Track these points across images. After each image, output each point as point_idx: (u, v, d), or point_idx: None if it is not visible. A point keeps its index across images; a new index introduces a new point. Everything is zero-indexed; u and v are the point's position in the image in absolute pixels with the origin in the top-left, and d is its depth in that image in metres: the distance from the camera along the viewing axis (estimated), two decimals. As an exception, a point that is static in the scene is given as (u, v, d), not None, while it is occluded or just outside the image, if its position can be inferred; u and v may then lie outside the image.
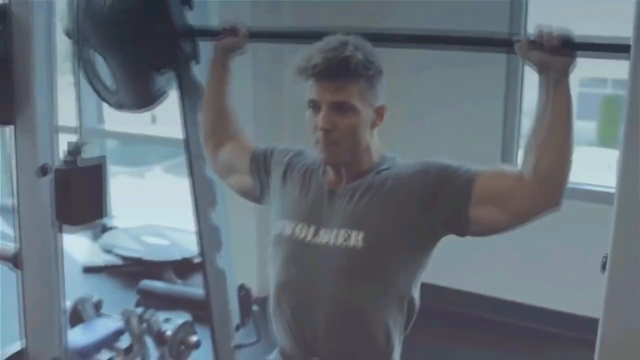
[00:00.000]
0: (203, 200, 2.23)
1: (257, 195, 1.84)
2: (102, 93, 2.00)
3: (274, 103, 3.53)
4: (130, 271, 3.67)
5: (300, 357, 1.64)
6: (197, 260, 3.66)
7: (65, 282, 2.98)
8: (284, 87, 3.39)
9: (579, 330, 3.03)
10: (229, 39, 1.87)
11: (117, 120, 4.36)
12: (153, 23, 1.95)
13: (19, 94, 1.62)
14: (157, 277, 3.45)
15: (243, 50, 1.90)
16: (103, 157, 1.77)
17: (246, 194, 1.88)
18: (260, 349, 2.48)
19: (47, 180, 1.66)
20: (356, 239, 1.57)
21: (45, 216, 1.68)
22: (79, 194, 1.70)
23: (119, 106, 2.05)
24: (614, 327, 1.25)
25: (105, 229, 4.11)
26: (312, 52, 1.55)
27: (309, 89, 1.58)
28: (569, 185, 1.47)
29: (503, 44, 1.57)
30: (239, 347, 2.46)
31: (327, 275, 1.58)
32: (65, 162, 1.67)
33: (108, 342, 2.56)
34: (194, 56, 2.05)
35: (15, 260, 1.73)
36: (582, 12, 3.27)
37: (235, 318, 2.42)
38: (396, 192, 1.59)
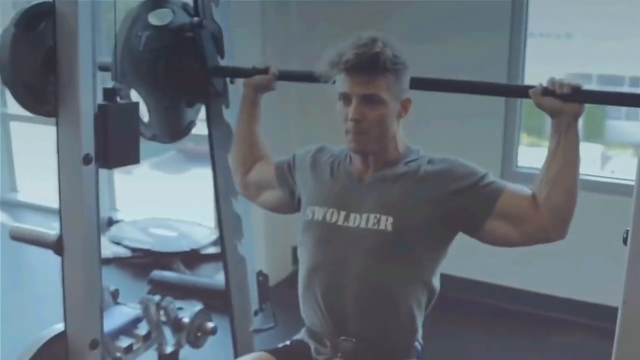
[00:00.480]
0: (225, 190, 2.32)
1: (287, 202, 1.94)
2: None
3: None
4: (138, 262, 3.74)
5: (330, 336, 1.73)
6: (205, 251, 3.78)
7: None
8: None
9: (575, 314, 3.18)
10: (260, 77, 2.00)
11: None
12: (187, 61, 2.09)
13: (63, 87, 1.70)
14: (166, 267, 3.52)
15: (273, 88, 2.03)
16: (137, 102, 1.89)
17: (277, 206, 1.99)
18: (276, 333, 2.59)
19: (90, 169, 1.75)
20: (385, 223, 1.66)
21: (87, 202, 1.76)
22: (117, 133, 1.80)
23: (153, 138, 2.14)
24: (635, 298, 1.33)
25: (111, 222, 4.17)
26: (344, 48, 1.64)
27: (339, 83, 1.68)
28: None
29: (519, 91, 1.68)
30: (258, 331, 2.55)
31: (358, 257, 1.67)
32: (106, 99, 1.78)
33: (127, 329, 2.63)
34: (224, 93, 2.19)
35: (57, 246, 1.81)
36: (582, 12, 3.38)
37: (254, 304, 2.51)
38: (425, 183, 1.69)
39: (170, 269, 3.53)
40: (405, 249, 1.67)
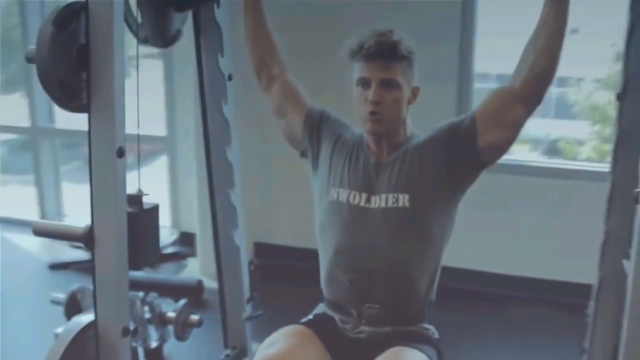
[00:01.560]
0: (222, 182, 2.42)
1: (300, 144, 2.06)
2: (133, 27, 2.08)
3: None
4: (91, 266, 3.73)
5: (355, 303, 1.88)
6: (166, 251, 3.83)
7: (31, 279, 3.06)
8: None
9: (532, 291, 3.46)
10: None
11: (68, 119, 4.39)
12: None
13: (96, 83, 1.76)
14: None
15: None
16: (157, 204, 1.98)
17: (291, 139, 2.10)
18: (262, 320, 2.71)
19: (122, 161, 1.81)
20: (404, 200, 1.84)
21: (119, 194, 1.82)
22: (143, 235, 1.94)
23: (145, 41, 2.13)
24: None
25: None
26: (364, 37, 1.83)
27: (358, 70, 1.85)
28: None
29: None
30: (249, 318, 2.65)
31: (382, 234, 1.85)
32: (131, 206, 1.89)
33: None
34: None
35: (87, 238, 1.85)
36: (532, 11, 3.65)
37: (246, 292, 2.61)
38: (423, 155, 1.88)
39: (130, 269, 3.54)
40: (421, 223, 1.86)
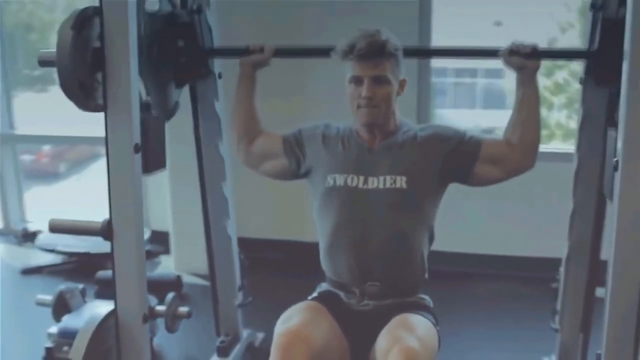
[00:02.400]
0: (215, 175, 2.54)
1: (292, 170, 2.21)
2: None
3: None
4: (68, 268, 3.77)
5: (357, 284, 2.04)
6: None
7: (5, 286, 3.09)
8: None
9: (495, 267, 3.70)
10: (257, 55, 2.25)
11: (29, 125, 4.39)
12: (181, 44, 2.29)
13: (112, 83, 1.86)
14: (100, 269, 3.58)
15: (268, 64, 2.27)
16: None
17: (280, 174, 2.25)
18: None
19: (138, 157, 1.92)
20: (401, 182, 2.02)
21: (136, 188, 1.92)
22: (153, 142, 2.04)
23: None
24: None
25: (27, 233, 4.12)
26: (354, 39, 1.99)
27: (350, 68, 2.02)
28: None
29: (490, 53, 2.12)
30: (242, 305, 2.78)
31: (380, 212, 2.01)
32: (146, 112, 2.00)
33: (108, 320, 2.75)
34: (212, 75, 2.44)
35: (106, 231, 1.95)
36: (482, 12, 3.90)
37: (237, 280, 2.74)
38: (424, 146, 2.07)
39: (104, 269, 3.59)
40: (417, 202, 2.04)
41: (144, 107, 1.99)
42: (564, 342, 2.49)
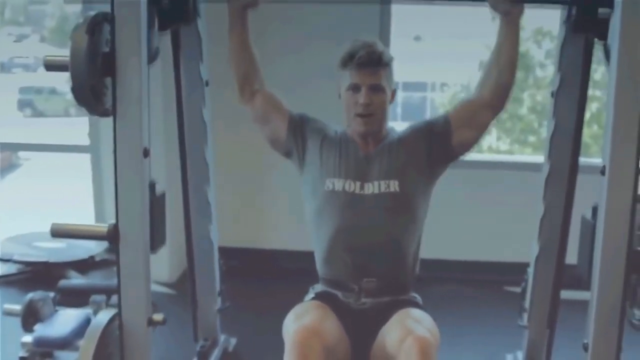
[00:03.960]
0: (199, 180, 2.57)
1: (284, 146, 2.28)
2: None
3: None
4: (23, 278, 3.67)
5: (355, 280, 2.13)
6: (99, 258, 3.84)
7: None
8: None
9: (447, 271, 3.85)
10: None
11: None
12: None
13: (122, 87, 1.88)
14: (58, 278, 3.51)
15: (257, 5, 2.25)
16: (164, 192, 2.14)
17: (275, 143, 2.31)
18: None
19: (147, 161, 1.94)
20: (394, 186, 2.14)
21: (142, 192, 1.95)
22: (156, 220, 2.06)
23: None
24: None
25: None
26: (355, 48, 2.11)
27: (347, 77, 2.13)
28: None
29: None
30: (221, 310, 2.81)
31: (377, 216, 2.13)
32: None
33: (83, 329, 2.72)
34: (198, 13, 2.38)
35: (112, 235, 1.96)
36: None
37: (217, 285, 2.77)
38: (408, 147, 2.20)
39: (63, 278, 3.53)
40: (409, 204, 2.17)
41: (151, 187, 2.03)
42: (532, 338, 2.65)
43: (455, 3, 2.35)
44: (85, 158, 4.06)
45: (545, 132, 2.56)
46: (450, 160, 2.22)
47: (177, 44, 2.42)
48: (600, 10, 2.03)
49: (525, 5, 2.07)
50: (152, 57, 2.19)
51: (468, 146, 2.22)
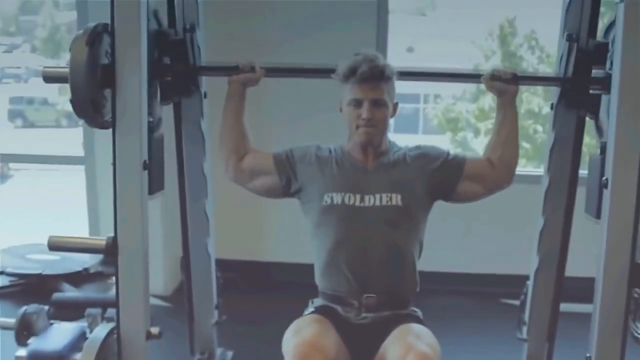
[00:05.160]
0: (197, 193, 2.55)
1: (282, 188, 2.26)
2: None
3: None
4: (14, 291, 3.63)
5: (355, 296, 2.11)
6: (93, 270, 3.80)
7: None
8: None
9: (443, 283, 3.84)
10: (248, 75, 2.27)
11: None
12: (171, 61, 2.28)
13: (122, 100, 1.86)
14: (52, 291, 3.48)
15: (257, 84, 2.29)
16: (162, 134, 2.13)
17: (270, 191, 2.29)
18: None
19: (146, 174, 1.93)
20: (397, 199, 2.13)
21: (142, 205, 1.93)
22: (154, 162, 2.03)
23: None
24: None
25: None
26: (357, 62, 2.10)
27: (350, 91, 2.12)
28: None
29: (473, 77, 2.27)
30: (218, 323, 2.79)
31: (378, 228, 2.11)
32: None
33: (79, 344, 2.68)
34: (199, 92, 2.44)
35: (111, 248, 1.93)
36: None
37: (215, 299, 2.75)
38: (413, 165, 2.20)
39: (57, 291, 3.50)
40: (411, 218, 2.16)
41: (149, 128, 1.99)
42: (531, 351, 2.64)
43: (449, 81, 2.42)
44: (78, 169, 4.03)
45: (539, 139, 2.57)
46: (444, 200, 2.24)
47: (179, 115, 2.46)
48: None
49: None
50: (154, 126, 2.21)
51: (468, 198, 2.24)
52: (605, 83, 1.98)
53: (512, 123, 2.19)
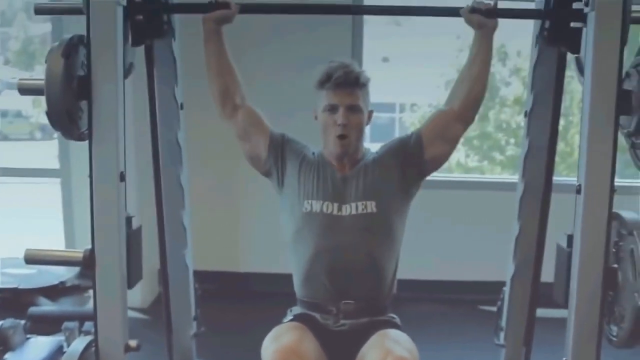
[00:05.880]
0: (174, 204, 2.54)
1: (264, 165, 2.26)
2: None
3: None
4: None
5: (333, 302, 2.13)
6: (70, 283, 3.76)
7: None
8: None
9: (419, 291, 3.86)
10: (222, 11, 2.14)
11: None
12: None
13: (98, 111, 1.86)
14: (28, 305, 3.44)
15: (231, 21, 2.18)
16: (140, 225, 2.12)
17: (255, 161, 2.28)
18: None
19: (122, 185, 1.92)
20: (371, 206, 2.14)
21: (119, 216, 1.92)
22: (133, 256, 2.05)
23: None
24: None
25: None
26: (332, 68, 2.12)
27: (325, 97, 2.13)
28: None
29: (451, 11, 2.17)
30: (197, 335, 2.77)
31: (355, 237, 2.12)
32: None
33: (56, 357, 2.67)
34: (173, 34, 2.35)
35: (87, 261, 1.93)
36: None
37: (193, 310, 2.73)
38: (382, 168, 2.21)
39: (33, 305, 3.47)
40: (387, 223, 2.18)
41: (128, 221, 2.02)
42: (509, 356, 2.66)
43: (428, 15, 2.33)
44: (54, 182, 4.01)
45: (510, 151, 2.60)
46: (423, 176, 2.24)
47: (150, 60, 2.32)
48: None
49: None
50: (126, 72, 2.15)
51: (440, 160, 2.23)
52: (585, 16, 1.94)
53: (485, 58, 2.14)
